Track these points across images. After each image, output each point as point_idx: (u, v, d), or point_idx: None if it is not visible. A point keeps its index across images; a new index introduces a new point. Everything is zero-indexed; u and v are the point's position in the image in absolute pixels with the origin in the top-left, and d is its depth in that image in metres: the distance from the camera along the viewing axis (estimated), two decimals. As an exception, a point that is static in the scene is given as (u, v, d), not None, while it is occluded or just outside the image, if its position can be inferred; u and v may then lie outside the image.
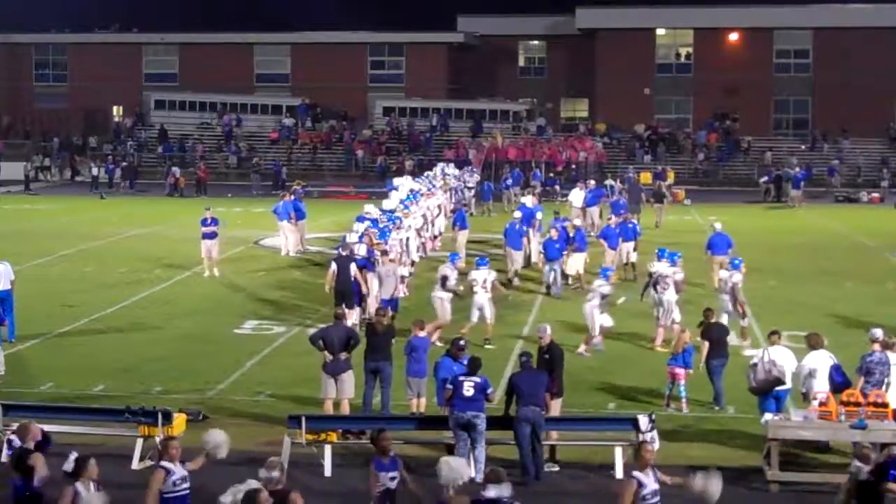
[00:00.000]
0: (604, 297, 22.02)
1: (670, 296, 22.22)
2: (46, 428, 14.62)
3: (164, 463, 11.61)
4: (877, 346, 16.06)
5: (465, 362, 15.91)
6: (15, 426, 13.68)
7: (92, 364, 21.27)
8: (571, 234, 28.81)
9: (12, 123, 75.20)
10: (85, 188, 59.48)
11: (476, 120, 68.25)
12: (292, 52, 75.05)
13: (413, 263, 28.57)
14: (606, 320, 21.94)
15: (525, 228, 30.37)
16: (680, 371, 18.20)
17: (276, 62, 75.63)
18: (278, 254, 34.57)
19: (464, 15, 74.76)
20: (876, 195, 55.60)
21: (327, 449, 15.50)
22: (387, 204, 31.63)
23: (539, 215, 32.53)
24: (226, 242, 33.77)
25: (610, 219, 32.33)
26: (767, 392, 16.41)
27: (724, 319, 22.04)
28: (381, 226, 27.23)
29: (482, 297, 22.63)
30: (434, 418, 16.23)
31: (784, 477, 14.88)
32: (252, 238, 38.28)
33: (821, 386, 15.83)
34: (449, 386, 15.40)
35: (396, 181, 38.88)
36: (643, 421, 15.07)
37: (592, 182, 40.82)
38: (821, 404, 15.23)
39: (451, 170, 45.48)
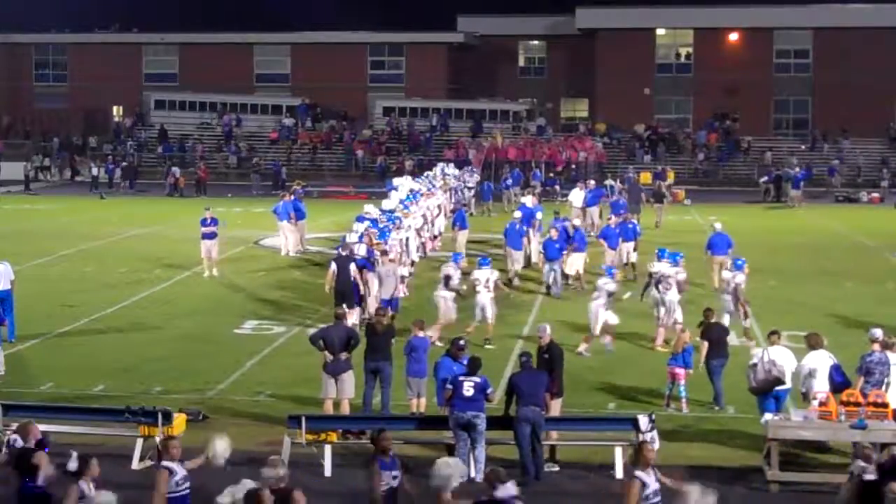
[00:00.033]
0: (610, 294, 22.05)
1: (673, 296, 22.22)
2: (46, 428, 14.65)
3: (166, 463, 11.62)
4: (876, 346, 16.06)
5: (465, 362, 15.91)
6: (15, 426, 13.67)
7: (92, 364, 21.27)
8: (571, 234, 28.81)
9: (12, 124, 75.20)
10: (85, 188, 59.47)
11: (476, 120, 68.24)
12: (292, 52, 75.05)
13: (413, 263, 28.58)
14: (612, 318, 21.94)
15: (525, 228, 30.36)
16: (680, 371, 18.20)
17: (276, 62, 75.63)
18: (278, 254, 34.58)
19: (464, 15, 74.75)
20: (876, 195, 55.59)
21: (327, 449, 15.50)
22: (386, 204, 31.62)
23: (539, 215, 32.53)
24: (226, 242, 33.77)
25: (610, 219, 32.33)
26: (767, 392, 16.42)
27: (726, 320, 22.06)
28: (380, 226, 27.23)
29: (484, 297, 22.66)
30: (434, 418, 16.23)
31: (784, 477, 14.88)
32: (252, 238, 38.28)
33: (821, 386, 15.84)
34: (449, 386, 15.41)
35: (396, 181, 38.87)
36: (643, 421, 15.07)
37: (592, 182, 40.82)
38: (821, 404, 15.23)
39: (451, 170, 45.47)
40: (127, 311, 26.28)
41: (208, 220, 30.72)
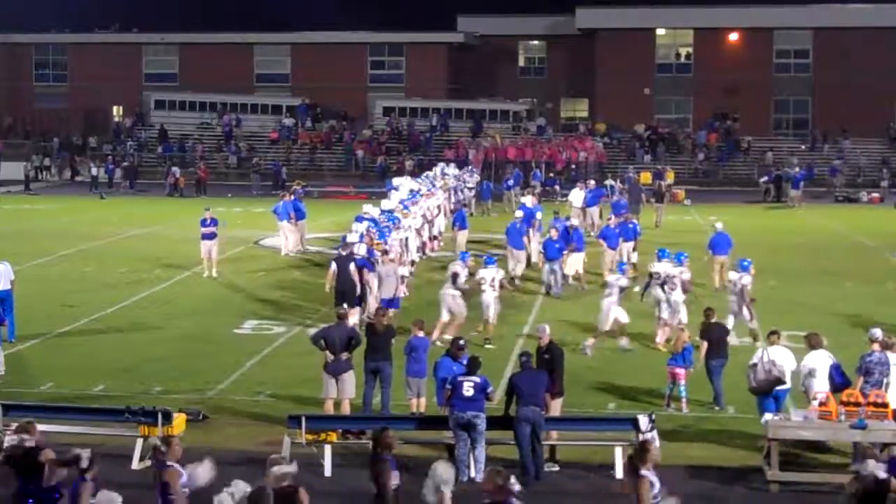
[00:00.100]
0: (622, 290, 22.06)
1: (678, 296, 22.23)
2: (46, 428, 14.67)
3: (171, 462, 11.63)
4: (876, 346, 16.05)
5: (465, 362, 15.91)
6: (15, 426, 13.66)
7: (92, 364, 21.27)
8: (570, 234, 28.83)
9: (13, 124, 75.19)
10: (85, 188, 59.48)
11: (476, 120, 68.24)
12: (292, 52, 75.05)
13: (413, 263, 28.57)
14: (623, 316, 21.94)
15: (525, 228, 30.35)
16: (680, 371, 18.20)
17: (276, 62, 75.63)
18: (278, 254, 34.58)
19: (464, 15, 74.75)
20: (876, 195, 55.59)
21: (327, 449, 15.50)
22: (386, 204, 31.62)
23: (539, 215, 32.53)
24: (226, 242, 33.77)
25: (609, 219, 32.32)
26: (767, 392, 16.41)
27: (731, 321, 22.08)
28: (381, 226, 27.25)
29: (489, 296, 22.67)
30: (434, 418, 16.23)
31: (784, 477, 14.88)
32: (252, 238, 38.28)
33: (820, 386, 15.84)
34: (448, 386, 15.40)
35: (396, 181, 38.89)
36: (643, 421, 15.07)
37: (592, 182, 40.81)
38: (821, 404, 15.23)
39: (451, 169, 45.46)
40: (127, 311, 26.28)
41: (208, 221, 30.71)
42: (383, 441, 12.06)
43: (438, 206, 36.08)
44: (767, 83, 69.15)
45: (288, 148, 68.00)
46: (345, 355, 17.11)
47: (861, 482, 11.29)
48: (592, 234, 34.67)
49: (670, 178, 54.49)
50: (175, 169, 58.42)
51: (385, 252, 24.43)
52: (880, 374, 15.82)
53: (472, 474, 14.87)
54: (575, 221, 30.81)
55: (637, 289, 24.10)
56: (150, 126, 72.26)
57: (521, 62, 76.73)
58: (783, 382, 16.43)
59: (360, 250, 23.81)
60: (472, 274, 23.47)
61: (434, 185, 38.29)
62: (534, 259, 30.65)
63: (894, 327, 21.20)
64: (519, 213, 31.01)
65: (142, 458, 15.22)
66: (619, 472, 14.79)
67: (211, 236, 30.61)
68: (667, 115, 70.96)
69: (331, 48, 72.63)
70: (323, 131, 69.89)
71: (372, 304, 23.00)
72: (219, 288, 29.37)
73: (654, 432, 14.87)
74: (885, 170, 60.97)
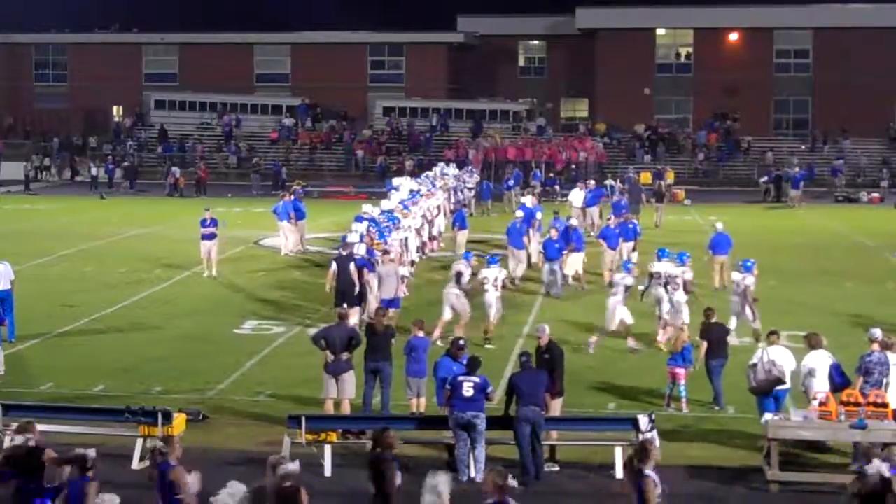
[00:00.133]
0: (627, 289, 22.04)
1: (680, 296, 22.22)
2: (46, 428, 14.67)
3: (174, 462, 11.66)
4: (876, 346, 16.04)
5: (465, 362, 15.91)
6: (15, 426, 13.67)
7: (92, 364, 21.27)
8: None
9: (13, 124, 75.18)
10: (85, 188, 59.51)
11: (476, 120, 68.24)
12: (292, 52, 75.05)
13: (413, 263, 28.57)
14: (627, 316, 21.93)
15: (525, 228, 30.34)
16: (680, 371, 18.20)
17: (276, 62, 75.63)
18: (278, 254, 34.58)
19: (464, 15, 74.75)
20: (876, 195, 55.59)
21: (327, 449, 15.50)
22: (385, 204, 31.62)
23: (539, 215, 32.52)
24: (226, 242, 33.76)
25: (609, 219, 32.32)
26: (767, 392, 16.41)
27: (734, 322, 22.07)
28: (381, 226, 27.24)
29: (491, 296, 22.66)
30: (434, 418, 16.23)
31: (784, 477, 14.88)
32: (252, 238, 38.28)
33: (820, 386, 15.84)
34: (448, 387, 15.40)
35: (396, 181, 38.90)
36: (643, 421, 15.08)
37: (592, 182, 40.80)
38: (820, 404, 15.23)
39: (451, 169, 45.46)
40: (127, 311, 26.28)
41: (208, 221, 30.70)
42: (385, 441, 12.06)
43: (438, 207, 36.07)
44: (767, 83, 69.15)
45: (288, 148, 68.00)
46: (345, 355, 17.10)
47: (866, 481, 11.26)
48: (592, 234, 34.66)
49: (670, 178, 54.47)
50: (175, 169, 58.43)
51: (386, 252, 24.43)
52: (880, 374, 15.81)
53: (472, 474, 14.87)
54: (574, 222, 30.79)
55: (641, 287, 24.06)
56: (150, 126, 72.26)
57: (521, 62, 76.73)
58: (783, 382, 16.43)
59: (360, 250, 23.81)
60: (474, 274, 23.47)
61: (434, 185, 38.29)
62: (534, 259, 30.65)
63: (894, 327, 21.22)
64: (519, 213, 31.01)
65: (142, 459, 15.21)
66: (619, 472, 14.80)
67: (211, 237, 30.60)
68: (667, 115, 70.96)
69: (331, 48, 72.63)
70: (323, 131, 69.88)
71: (373, 304, 22.99)
72: (219, 288, 29.37)
73: (654, 432, 14.87)
74: (884, 170, 60.98)
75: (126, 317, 25.64)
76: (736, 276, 23.15)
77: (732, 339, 20.17)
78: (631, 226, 30.69)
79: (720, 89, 68.23)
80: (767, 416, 15.45)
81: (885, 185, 58.26)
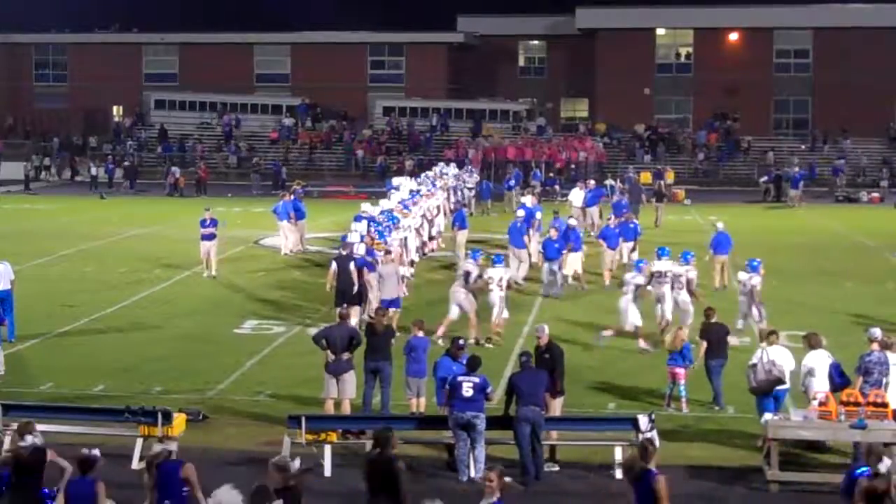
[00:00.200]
0: (638, 287, 22.00)
1: (685, 296, 22.19)
2: (46, 428, 14.67)
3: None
4: (875, 346, 16.03)
5: (465, 362, 15.91)
6: (16, 426, 13.67)
7: (92, 364, 21.27)
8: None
9: (14, 124, 75.19)
10: (85, 188, 59.53)
11: (476, 120, 68.25)
12: (292, 52, 75.06)
13: (412, 263, 28.56)
14: (637, 318, 21.90)
15: (525, 227, 30.33)
16: (680, 371, 18.20)
17: (276, 62, 75.64)
18: (278, 254, 34.58)
19: (464, 15, 74.76)
20: (876, 195, 55.60)
21: (327, 449, 15.50)
22: (385, 203, 31.62)
23: (539, 215, 32.52)
24: (226, 242, 33.76)
25: (610, 219, 32.30)
26: (768, 392, 16.41)
27: (740, 323, 22.06)
28: (383, 225, 27.22)
29: (496, 295, 22.66)
30: (434, 418, 16.23)
31: (784, 477, 14.88)
32: (252, 238, 38.29)
33: (820, 385, 15.83)
34: (448, 387, 15.39)
35: (396, 181, 38.90)
36: (643, 421, 15.08)
37: (592, 182, 40.79)
38: (820, 404, 15.23)
39: (450, 169, 45.45)
40: (127, 311, 26.28)
41: (208, 222, 30.67)
42: (392, 442, 12.07)
43: (438, 206, 36.07)
44: (767, 83, 69.15)
45: (287, 148, 67.99)
46: (346, 355, 17.10)
47: (880, 481, 11.24)
48: (592, 234, 34.66)
49: (670, 178, 54.50)
50: (175, 169, 58.44)
51: (388, 252, 24.43)
52: (880, 374, 15.81)
53: (472, 474, 14.87)
54: (573, 221, 30.76)
55: (650, 287, 24.03)
56: (150, 126, 72.27)
57: (521, 62, 76.73)
58: (783, 382, 16.43)
59: (360, 250, 23.81)
60: (480, 275, 23.46)
61: (434, 185, 38.29)
62: (534, 259, 30.65)
63: (894, 327, 21.24)
64: (520, 213, 30.99)
65: (141, 458, 15.20)
66: (619, 473, 14.79)
67: (210, 237, 30.57)
68: (667, 115, 70.96)
69: (331, 48, 72.63)
70: (323, 131, 69.89)
71: (373, 303, 22.98)
72: (219, 288, 29.37)
73: (654, 432, 14.86)
74: (884, 170, 60.98)
75: (126, 317, 25.63)
76: (742, 275, 23.03)
77: (732, 339, 20.14)
78: (632, 226, 30.68)
79: (720, 89, 68.23)
80: (767, 416, 15.45)
81: (886, 185, 58.30)
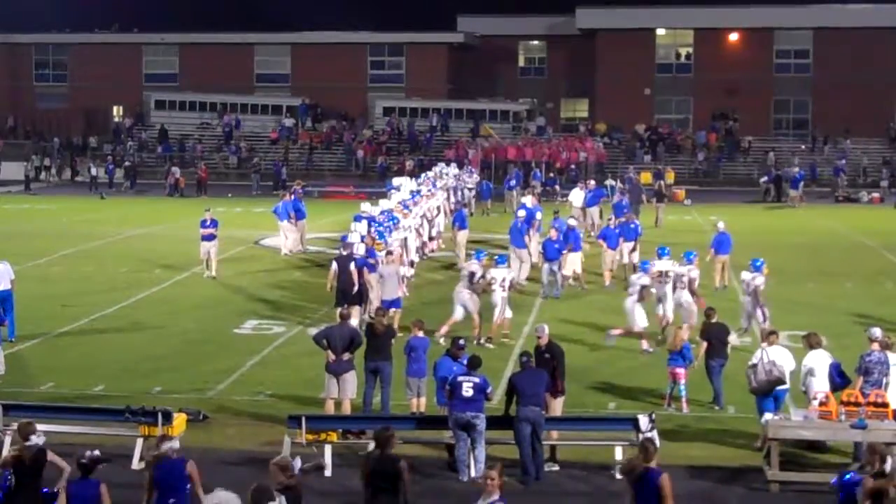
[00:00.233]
0: (643, 288, 21.98)
1: (687, 296, 22.18)
2: (46, 428, 14.66)
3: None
4: (875, 346, 16.03)
5: (465, 361, 15.91)
6: (16, 425, 13.66)
7: (92, 364, 21.27)
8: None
9: (15, 125, 75.19)
10: (85, 188, 59.56)
11: (476, 120, 68.26)
12: (292, 52, 75.07)
13: (412, 264, 28.56)
14: (643, 319, 21.89)
15: (526, 228, 30.32)
16: (680, 371, 18.19)
17: (276, 62, 75.65)
18: (278, 254, 34.58)
19: (464, 15, 74.77)
20: (876, 195, 55.61)
21: (327, 449, 15.50)
22: (384, 203, 31.61)
23: (539, 215, 32.51)
24: (226, 242, 33.75)
25: (610, 219, 32.29)
26: (768, 392, 16.41)
27: (745, 323, 22.03)
28: (384, 226, 27.21)
29: (498, 296, 22.66)
30: (434, 418, 16.23)
31: (784, 477, 14.87)
32: (252, 238, 38.29)
33: (820, 385, 15.83)
34: (448, 387, 15.39)
35: (396, 181, 38.90)
36: (643, 421, 15.07)
37: (592, 182, 40.77)
38: (820, 404, 15.23)
39: (450, 169, 45.46)
40: (127, 312, 26.28)
41: (208, 222, 30.65)
42: (391, 440, 12.08)
43: (438, 207, 36.08)
44: (767, 83, 69.17)
45: (287, 148, 67.98)
46: (346, 355, 17.10)
47: (883, 481, 11.22)
48: (592, 234, 34.65)
49: (670, 178, 54.49)
50: (175, 169, 58.46)
51: (389, 253, 24.43)
52: (880, 374, 15.80)
53: (473, 474, 14.87)
54: (573, 222, 30.74)
55: (654, 289, 24.02)
56: (150, 126, 72.31)
57: (521, 62, 76.74)
58: (783, 382, 16.43)
59: (360, 250, 23.80)
60: (482, 275, 23.45)
61: (435, 185, 38.29)
62: (534, 259, 30.65)
63: (894, 327, 21.23)
64: (521, 213, 30.97)
65: (142, 458, 15.20)
66: (620, 473, 14.79)
67: (210, 237, 30.55)
68: (667, 115, 70.98)
69: (331, 48, 72.64)
70: (323, 131, 69.89)
71: (374, 303, 22.97)
72: (219, 288, 29.37)
73: (655, 432, 14.86)
74: (885, 170, 60.99)
75: (126, 317, 25.63)
76: (745, 275, 22.92)
77: (733, 339, 20.13)
78: (633, 226, 30.65)
79: (720, 89, 68.25)
80: (767, 416, 15.45)
81: (886, 185, 58.30)
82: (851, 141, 64.87)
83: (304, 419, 15.62)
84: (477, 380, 15.18)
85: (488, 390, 15.33)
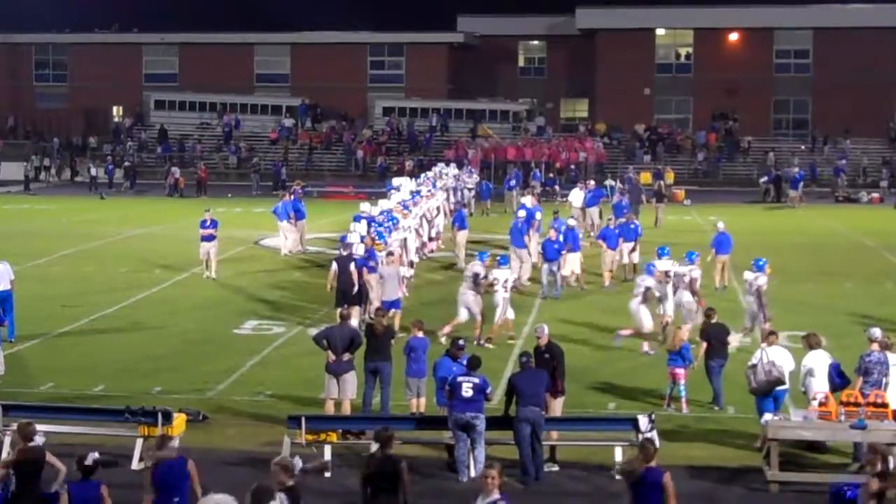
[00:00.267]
0: (648, 289, 21.97)
1: (688, 297, 22.17)
2: (46, 428, 14.66)
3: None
4: (875, 346, 16.02)
5: (465, 362, 15.91)
6: (16, 426, 13.65)
7: (92, 364, 21.27)
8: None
9: (15, 125, 75.18)
10: (85, 188, 59.56)
11: (476, 120, 68.26)
12: (292, 52, 75.07)
13: (412, 264, 28.56)
14: (649, 320, 21.87)
15: (526, 228, 30.31)
16: (680, 371, 18.19)
17: (276, 62, 75.64)
18: (278, 254, 34.58)
19: (464, 15, 74.77)
20: (876, 195, 55.61)
21: (327, 449, 15.50)
22: (384, 204, 31.61)
23: (538, 215, 32.50)
24: (225, 242, 33.74)
25: (610, 219, 32.29)
26: (768, 393, 16.41)
27: (749, 322, 22.01)
28: (383, 225, 27.21)
29: (500, 296, 22.66)
30: (433, 418, 16.23)
31: (784, 477, 14.87)
32: (252, 238, 38.29)
33: (820, 386, 15.83)
34: (447, 387, 15.39)
35: (396, 181, 38.89)
36: (643, 421, 15.07)
37: (592, 182, 40.77)
38: (820, 404, 15.23)
39: (450, 169, 45.45)
40: (127, 311, 26.28)
41: (208, 223, 30.62)
42: (392, 440, 12.08)
43: (437, 207, 36.07)
44: (767, 83, 69.16)
45: (287, 148, 67.96)
46: (347, 356, 17.10)
47: (889, 481, 11.22)
48: (592, 234, 34.64)
49: (670, 178, 54.46)
50: (175, 169, 58.45)
51: (390, 254, 24.43)
52: (879, 374, 15.80)
53: (472, 475, 14.86)
54: (572, 222, 30.73)
55: (658, 294, 24.02)
56: (150, 126, 72.30)
57: (521, 62, 76.73)
58: (783, 383, 16.43)
59: (359, 250, 23.81)
60: (485, 276, 23.46)
61: (435, 186, 38.29)
62: (533, 259, 30.65)
63: (894, 327, 21.23)
64: (521, 213, 30.97)
65: (141, 459, 15.20)
66: (616, 470, 14.79)
67: (210, 238, 30.53)
68: (667, 115, 70.98)
69: (331, 48, 72.64)
70: (323, 131, 69.89)
71: (375, 303, 22.97)
72: (219, 288, 29.37)
73: (655, 432, 14.86)
74: (884, 170, 60.98)
75: (126, 317, 25.63)
76: (748, 275, 22.88)
77: (733, 340, 20.13)
78: (633, 226, 30.65)
79: (720, 89, 68.25)
80: (767, 416, 15.45)
81: (885, 186, 58.31)
82: (851, 141, 64.87)
83: (303, 419, 15.62)
84: (476, 380, 15.18)
85: (488, 391, 15.34)
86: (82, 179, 63.62)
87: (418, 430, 16.11)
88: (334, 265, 23.22)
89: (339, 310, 19.90)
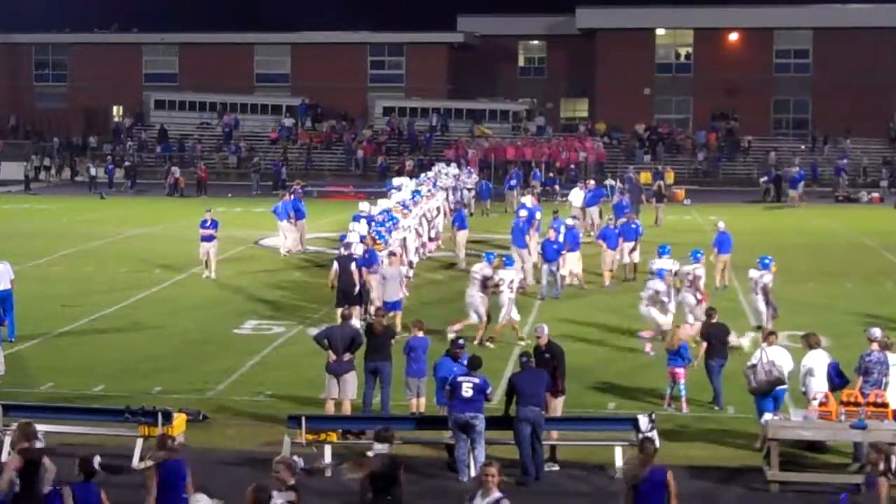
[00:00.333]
0: (657, 292, 21.95)
1: (690, 297, 22.15)
2: (46, 428, 14.66)
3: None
4: (875, 346, 16.03)
5: (465, 362, 15.92)
6: (15, 426, 13.65)
7: (92, 364, 21.27)
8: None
9: (15, 125, 75.18)
10: (85, 188, 59.54)
11: (476, 120, 68.25)
12: (292, 52, 75.05)
13: (412, 264, 28.55)
14: (662, 318, 21.84)
15: (526, 227, 30.29)
16: (680, 371, 18.19)
17: (276, 62, 75.63)
18: (278, 254, 34.57)
19: (464, 15, 74.76)
20: (876, 195, 55.60)
21: (327, 449, 15.50)
22: (384, 203, 31.59)
23: (538, 215, 32.49)
24: (225, 242, 33.74)
25: (610, 219, 32.28)
26: (768, 392, 16.41)
27: (754, 321, 21.98)
28: (386, 225, 27.20)
29: (505, 297, 22.66)
30: (433, 418, 16.23)
31: (784, 477, 14.87)
32: (252, 238, 38.28)
33: (820, 385, 15.83)
34: (447, 387, 15.40)
35: (396, 181, 38.87)
36: (643, 421, 15.07)
37: (592, 182, 40.75)
38: (820, 404, 15.23)
39: (450, 169, 45.44)
40: (127, 311, 26.28)
41: (208, 223, 30.61)
42: (392, 438, 12.08)
43: (437, 207, 36.06)
44: (767, 83, 69.16)
45: (287, 148, 67.96)
46: (347, 356, 17.10)
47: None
48: (592, 234, 34.63)
49: (670, 178, 54.43)
50: (175, 169, 58.44)
51: (392, 254, 24.43)
52: (879, 374, 15.80)
53: (472, 475, 14.86)
54: (570, 221, 30.69)
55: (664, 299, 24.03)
56: (150, 126, 72.29)
57: (521, 62, 76.71)
58: (783, 383, 16.43)
59: (358, 250, 23.80)
60: (490, 276, 23.43)
61: (435, 186, 38.28)
62: (533, 259, 30.63)
63: (894, 327, 21.23)
64: (522, 213, 30.94)
65: (141, 458, 15.20)
66: (620, 473, 14.79)
67: (210, 238, 30.51)
68: (667, 115, 70.97)
69: (331, 48, 72.63)
70: (323, 131, 69.89)
71: (376, 303, 22.96)
72: (218, 288, 29.36)
73: (655, 432, 14.85)
74: (885, 170, 60.97)
75: (126, 317, 25.63)
76: (753, 273, 22.87)
77: (733, 339, 20.12)
78: (633, 226, 30.63)
79: (720, 89, 68.24)
80: (767, 416, 15.45)
81: (886, 185, 58.31)
82: (851, 141, 64.84)
83: (303, 419, 15.62)
84: (477, 380, 15.18)
85: (488, 391, 15.34)
86: (82, 179, 63.59)
87: (418, 430, 16.11)
88: (335, 265, 23.22)
89: (340, 309, 19.89)
